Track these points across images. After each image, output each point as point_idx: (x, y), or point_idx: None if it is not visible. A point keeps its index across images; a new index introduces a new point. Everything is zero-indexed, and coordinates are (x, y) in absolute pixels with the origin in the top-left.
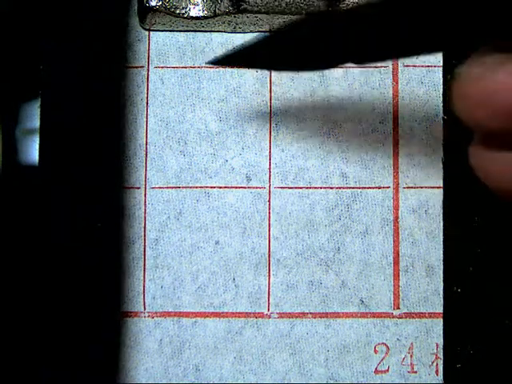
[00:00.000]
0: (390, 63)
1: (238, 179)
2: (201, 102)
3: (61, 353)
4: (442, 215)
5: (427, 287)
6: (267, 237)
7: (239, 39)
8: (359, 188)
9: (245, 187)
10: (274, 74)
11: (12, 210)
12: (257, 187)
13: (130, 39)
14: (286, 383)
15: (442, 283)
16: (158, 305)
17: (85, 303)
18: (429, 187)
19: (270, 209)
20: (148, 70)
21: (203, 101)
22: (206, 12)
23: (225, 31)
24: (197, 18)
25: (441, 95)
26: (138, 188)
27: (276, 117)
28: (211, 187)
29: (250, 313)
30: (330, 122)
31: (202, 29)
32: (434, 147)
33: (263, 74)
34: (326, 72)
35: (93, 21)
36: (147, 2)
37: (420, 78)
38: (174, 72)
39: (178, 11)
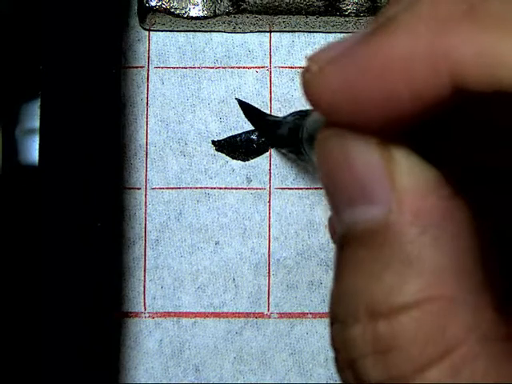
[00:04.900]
0: None
1: (238, 180)
2: (201, 103)
3: (61, 353)
4: None
5: None
6: (267, 237)
7: (239, 39)
8: None
9: (245, 188)
10: (273, 73)
11: (12, 209)
12: (257, 188)
13: (130, 39)
14: (286, 383)
15: None
16: (158, 305)
17: (85, 303)
18: None
19: (270, 209)
20: (148, 71)
21: (203, 101)
22: (206, 12)
23: (225, 31)
24: (197, 18)
25: None
26: (139, 188)
27: None
28: (211, 188)
29: (249, 313)
30: None
31: (202, 29)
32: None
33: (263, 74)
34: None
35: (93, 21)
36: (147, 2)
37: None
38: (174, 72)
39: (177, 11)
